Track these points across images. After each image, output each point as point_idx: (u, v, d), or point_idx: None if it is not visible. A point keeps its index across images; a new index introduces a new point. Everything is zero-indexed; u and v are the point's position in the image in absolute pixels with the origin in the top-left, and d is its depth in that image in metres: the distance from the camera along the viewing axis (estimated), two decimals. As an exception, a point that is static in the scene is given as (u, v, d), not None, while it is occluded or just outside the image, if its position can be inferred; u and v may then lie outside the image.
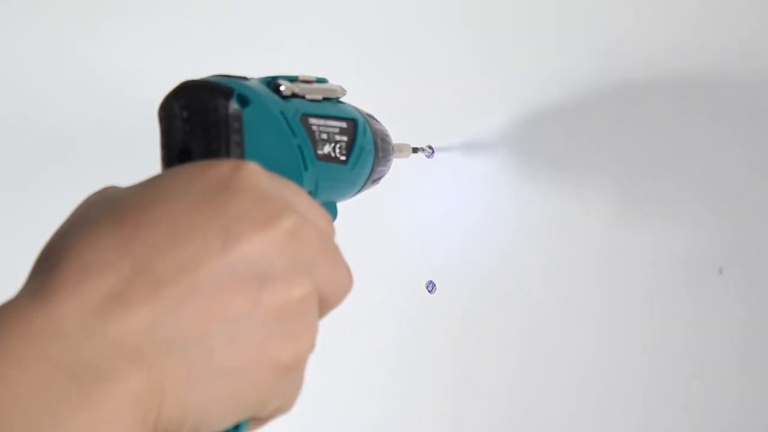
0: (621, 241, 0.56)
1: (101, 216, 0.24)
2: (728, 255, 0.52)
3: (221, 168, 0.25)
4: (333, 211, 0.38)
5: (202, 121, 0.29)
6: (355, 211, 0.72)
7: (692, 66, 0.53)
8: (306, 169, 0.33)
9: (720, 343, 0.53)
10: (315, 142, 0.34)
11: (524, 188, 0.61)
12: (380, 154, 0.43)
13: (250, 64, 0.76)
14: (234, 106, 0.30)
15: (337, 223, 0.72)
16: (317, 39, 0.72)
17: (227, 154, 0.29)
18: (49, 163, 0.85)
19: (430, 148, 0.65)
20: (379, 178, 0.44)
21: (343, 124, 0.38)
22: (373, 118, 0.44)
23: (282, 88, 0.33)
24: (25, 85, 0.87)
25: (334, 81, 0.40)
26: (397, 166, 0.68)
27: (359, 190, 0.41)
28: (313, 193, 0.35)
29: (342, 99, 0.40)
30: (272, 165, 0.30)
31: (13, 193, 0.87)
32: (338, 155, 0.37)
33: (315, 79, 0.37)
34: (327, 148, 0.36)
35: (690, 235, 0.54)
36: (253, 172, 0.26)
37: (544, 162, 0.60)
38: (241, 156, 0.30)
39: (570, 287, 0.59)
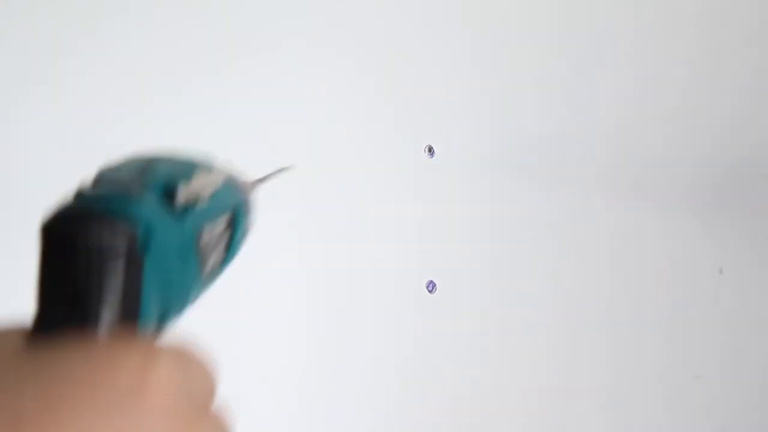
0: (621, 241, 0.56)
1: None
2: (728, 255, 0.52)
3: (128, 371, 0.22)
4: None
5: (96, 263, 0.25)
6: (355, 211, 0.72)
7: (692, 66, 0.53)
8: (193, 295, 0.29)
9: (720, 343, 0.53)
10: (204, 260, 0.30)
11: (524, 188, 0.61)
12: (249, 223, 0.37)
13: (250, 64, 0.76)
14: (133, 250, 0.25)
15: (337, 218, 0.71)
16: (317, 39, 0.72)
17: (121, 305, 0.25)
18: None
19: (430, 150, 0.65)
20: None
21: (226, 219, 0.32)
22: (235, 180, 0.37)
23: (181, 199, 0.28)
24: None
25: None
26: (397, 166, 0.69)
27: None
28: (185, 307, 0.30)
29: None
30: (162, 299, 0.27)
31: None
32: (221, 260, 0.32)
33: (200, 167, 0.31)
34: (212, 260, 0.31)
35: (690, 237, 0.54)
36: (165, 373, 0.23)
37: (545, 161, 0.60)
38: (138, 305, 0.26)
39: (570, 287, 0.59)
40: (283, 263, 0.73)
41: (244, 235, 0.35)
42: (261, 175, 0.50)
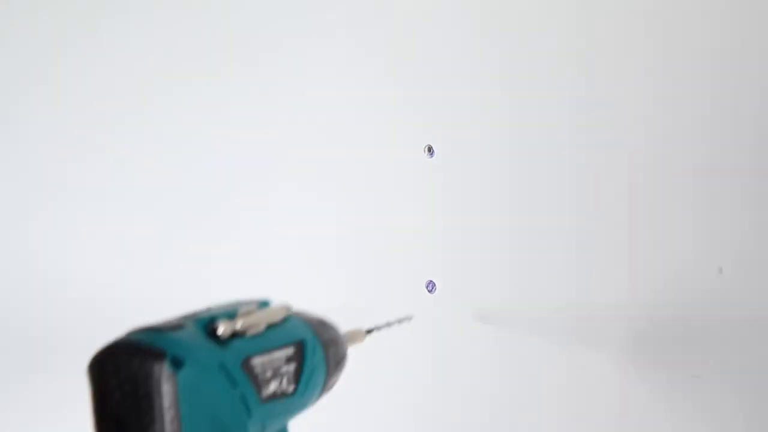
0: (622, 241, 0.56)
1: None
2: (728, 255, 0.52)
3: None
4: None
5: (134, 390, 0.28)
6: (355, 211, 0.72)
7: (692, 66, 0.53)
8: (250, 417, 0.32)
9: (720, 343, 0.53)
10: (259, 385, 0.32)
11: (523, 188, 0.61)
12: (332, 366, 0.40)
13: (250, 64, 0.76)
14: (167, 371, 0.28)
15: (338, 219, 0.71)
16: (317, 39, 0.72)
17: (162, 425, 0.27)
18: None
19: (430, 150, 0.65)
20: (333, 385, 0.42)
21: (290, 351, 0.36)
22: (323, 323, 0.41)
23: (220, 331, 0.31)
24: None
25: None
26: (396, 166, 0.69)
27: (312, 405, 0.39)
28: None
29: (290, 314, 0.38)
30: (213, 423, 0.29)
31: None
32: (285, 389, 0.35)
33: (256, 307, 0.35)
34: (273, 386, 0.34)
35: (690, 235, 0.53)
36: None
37: (545, 160, 0.60)
38: (178, 425, 0.28)
39: (570, 287, 0.59)
40: (283, 263, 0.73)
41: (317, 369, 0.38)
42: (375, 325, 0.54)
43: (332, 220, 0.72)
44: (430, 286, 0.65)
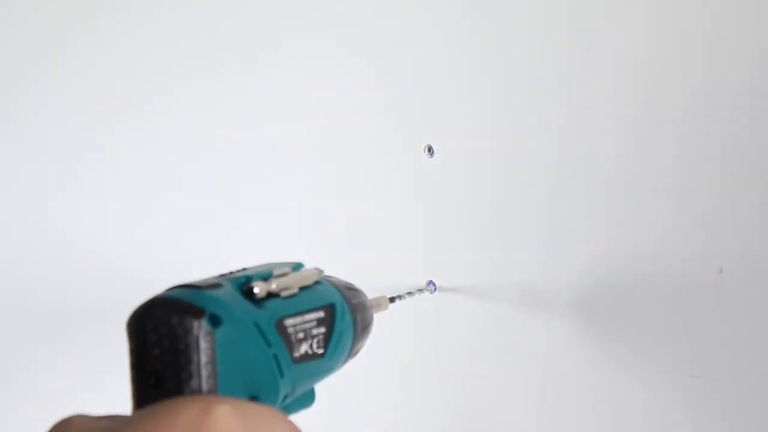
0: (622, 241, 0.56)
1: None
2: (728, 255, 0.52)
3: (189, 414, 0.25)
4: (311, 397, 0.37)
5: (173, 345, 0.28)
6: (355, 211, 0.72)
7: (692, 66, 0.53)
8: (282, 376, 0.32)
9: (720, 343, 0.53)
10: (291, 345, 0.33)
11: (524, 188, 0.61)
12: (359, 330, 0.42)
13: (250, 64, 0.76)
14: (205, 328, 0.28)
15: (338, 219, 0.72)
16: (317, 39, 0.72)
17: (199, 380, 0.28)
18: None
19: (430, 150, 0.65)
20: (360, 350, 0.43)
21: (321, 314, 0.37)
22: (352, 288, 0.43)
23: (256, 290, 0.32)
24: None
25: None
26: (396, 166, 0.69)
27: (339, 369, 0.40)
28: (290, 394, 0.34)
29: (320, 278, 0.39)
30: (247, 380, 0.30)
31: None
32: (315, 350, 0.36)
33: (290, 269, 0.36)
34: (304, 348, 0.35)
35: (690, 235, 0.54)
36: (221, 417, 0.25)
37: (546, 161, 0.60)
38: (215, 380, 0.29)
39: (570, 287, 0.59)
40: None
41: (345, 333, 0.39)
42: (398, 294, 0.58)
43: (332, 220, 0.72)
44: (431, 287, 0.66)
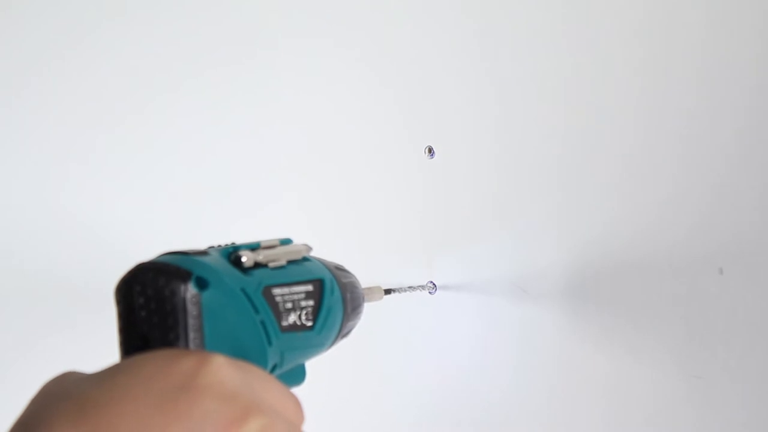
0: (621, 240, 0.56)
1: (59, 414, 0.23)
2: (728, 255, 0.52)
3: (184, 363, 0.25)
4: (301, 374, 0.37)
5: (160, 308, 0.28)
6: (355, 212, 0.72)
7: (692, 65, 0.53)
8: (270, 344, 0.32)
9: (720, 343, 0.53)
10: (279, 314, 0.34)
11: (524, 188, 0.61)
12: (349, 309, 0.42)
13: (250, 64, 0.76)
14: (192, 290, 0.29)
15: (338, 220, 0.72)
16: (317, 39, 0.72)
17: (186, 342, 0.28)
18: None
19: (430, 150, 0.65)
20: (350, 332, 0.43)
21: (309, 287, 0.37)
22: (342, 269, 0.43)
23: (243, 259, 0.32)
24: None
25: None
26: (396, 166, 0.69)
27: (329, 348, 0.40)
28: (278, 365, 0.34)
29: (309, 255, 0.39)
30: (234, 345, 0.30)
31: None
32: (304, 322, 0.36)
33: (278, 243, 0.37)
34: (292, 318, 0.35)
35: (690, 235, 0.54)
36: (217, 367, 0.25)
37: (546, 161, 0.60)
38: (202, 342, 0.29)
39: (570, 287, 0.59)
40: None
41: (334, 308, 0.39)
42: (396, 287, 0.59)
43: (332, 220, 0.72)
44: (430, 286, 0.66)
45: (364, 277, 0.66)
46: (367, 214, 0.71)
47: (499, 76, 0.62)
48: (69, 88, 0.85)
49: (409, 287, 0.61)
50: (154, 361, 0.25)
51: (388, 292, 0.56)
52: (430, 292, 0.65)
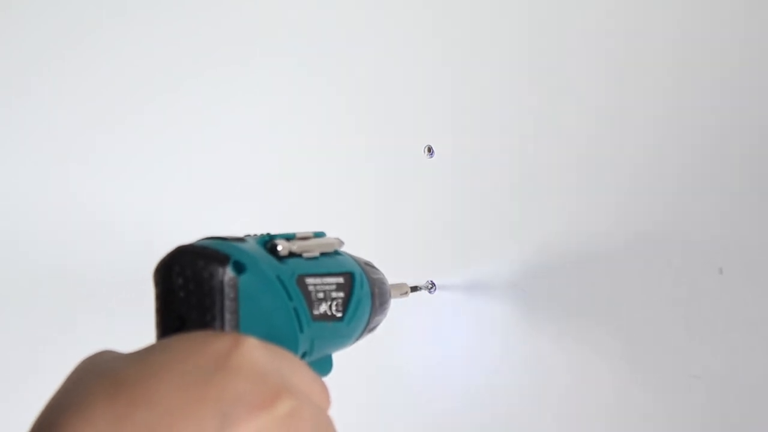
0: (621, 240, 0.56)
1: (95, 390, 0.24)
2: (728, 255, 0.52)
3: (219, 344, 0.25)
4: (328, 364, 0.38)
5: (198, 289, 0.29)
6: (355, 212, 0.72)
7: (692, 65, 0.53)
8: (302, 331, 0.33)
9: (720, 343, 0.53)
10: (311, 303, 0.35)
11: (524, 188, 0.61)
12: (377, 304, 0.43)
13: (250, 65, 0.76)
14: (230, 273, 0.30)
15: (338, 219, 0.72)
16: (317, 39, 0.72)
17: (222, 324, 0.29)
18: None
19: (430, 150, 0.65)
20: (376, 327, 0.44)
21: (340, 279, 0.38)
22: (371, 265, 0.45)
23: (279, 248, 0.34)
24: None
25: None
26: (396, 166, 0.69)
27: (356, 341, 0.41)
28: (308, 353, 0.35)
29: (340, 250, 0.41)
30: (268, 330, 0.30)
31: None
32: (334, 312, 0.37)
33: (312, 235, 0.38)
34: (323, 307, 0.36)
35: (690, 235, 0.53)
36: (250, 349, 0.26)
37: (546, 161, 0.60)
38: (237, 325, 0.29)
39: (569, 287, 0.59)
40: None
41: (363, 301, 0.40)
42: (420, 285, 0.62)
43: (332, 221, 0.72)
44: (430, 286, 0.65)
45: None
46: (367, 214, 0.71)
47: (499, 76, 0.62)
48: (69, 88, 0.85)
49: (432, 286, 0.63)
50: (190, 341, 0.26)
51: (414, 289, 0.57)
52: (430, 292, 0.65)
